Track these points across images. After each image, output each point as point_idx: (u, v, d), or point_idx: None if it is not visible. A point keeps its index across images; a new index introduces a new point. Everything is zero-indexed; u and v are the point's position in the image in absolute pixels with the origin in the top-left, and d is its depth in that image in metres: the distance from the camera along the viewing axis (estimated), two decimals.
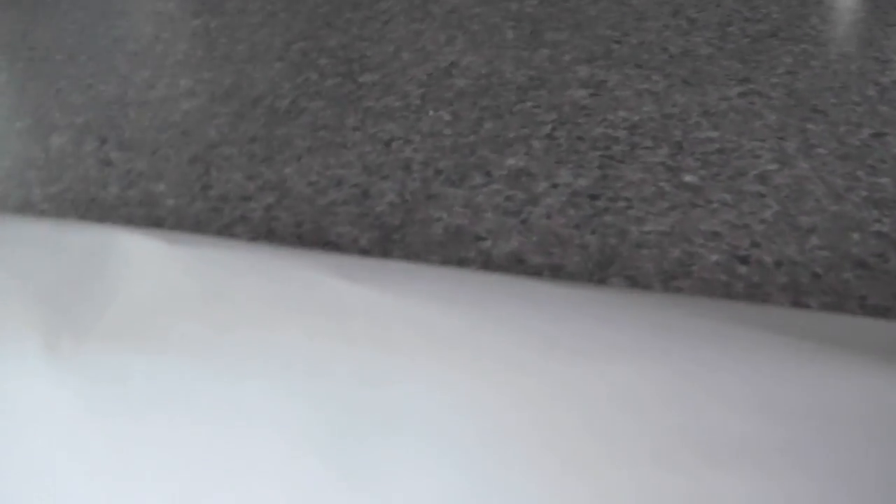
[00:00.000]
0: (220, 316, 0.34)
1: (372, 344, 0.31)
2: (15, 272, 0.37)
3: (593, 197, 0.49)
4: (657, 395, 0.27)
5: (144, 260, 0.38)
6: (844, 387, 0.27)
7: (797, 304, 0.40)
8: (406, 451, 0.28)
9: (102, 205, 0.56)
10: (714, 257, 0.43)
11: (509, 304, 0.33)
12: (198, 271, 0.37)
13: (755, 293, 0.41)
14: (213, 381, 0.31)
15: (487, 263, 0.44)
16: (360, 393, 0.30)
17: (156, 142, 0.62)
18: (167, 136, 0.63)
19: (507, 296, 0.33)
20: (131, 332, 0.33)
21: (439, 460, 0.27)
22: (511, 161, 0.54)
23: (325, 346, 0.32)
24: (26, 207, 0.56)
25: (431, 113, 0.61)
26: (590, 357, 0.29)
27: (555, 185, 0.51)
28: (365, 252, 0.47)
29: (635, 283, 0.42)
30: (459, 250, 0.46)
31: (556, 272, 0.43)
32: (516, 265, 0.44)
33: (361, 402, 0.29)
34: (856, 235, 0.44)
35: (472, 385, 0.29)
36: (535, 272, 0.44)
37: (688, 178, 0.50)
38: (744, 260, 0.43)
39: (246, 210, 0.52)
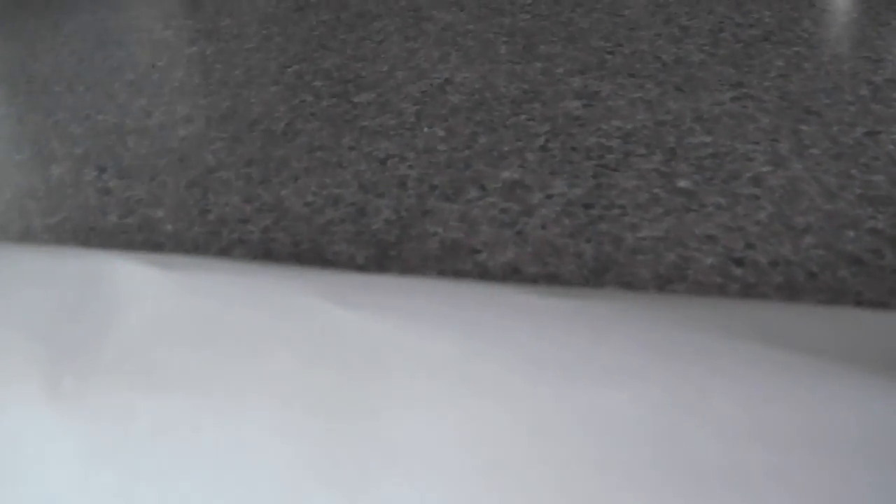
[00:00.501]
0: (218, 347, 0.34)
1: (369, 373, 0.31)
2: (13, 304, 0.37)
3: (588, 206, 0.49)
4: (648, 422, 0.27)
5: (140, 288, 0.38)
6: (838, 409, 0.27)
7: (794, 303, 0.40)
8: (405, 483, 0.28)
9: (102, 233, 0.56)
10: (709, 260, 0.43)
11: (503, 322, 0.33)
12: (194, 299, 0.37)
13: (751, 294, 0.41)
14: (213, 417, 0.32)
15: (484, 275, 0.45)
16: (359, 425, 0.30)
17: (154, 168, 0.63)
18: (165, 162, 0.63)
19: (500, 311, 0.33)
20: (130, 367, 0.33)
21: (438, 493, 0.27)
22: (506, 174, 0.54)
23: (322, 378, 0.32)
24: (27, 237, 0.56)
25: (426, 129, 0.62)
26: (581, 380, 0.29)
27: (549, 196, 0.51)
28: (362, 270, 0.47)
29: (631, 288, 0.42)
30: (456, 263, 0.46)
31: (551, 282, 0.43)
32: (512, 276, 0.44)
33: (360, 434, 0.30)
34: (851, 233, 0.44)
35: (466, 415, 0.29)
36: (531, 282, 0.44)
37: (682, 183, 0.50)
38: (739, 262, 0.43)
39: (243, 232, 0.53)
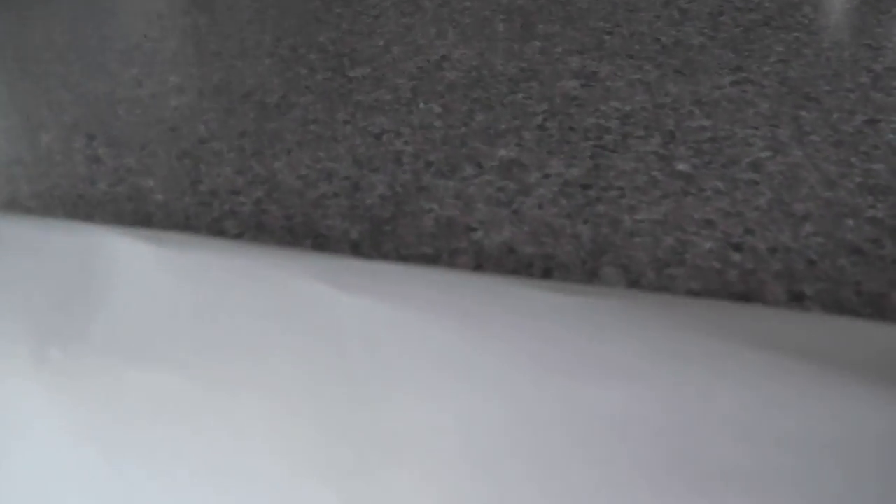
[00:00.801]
0: (213, 329, 0.33)
1: (366, 360, 0.31)
2: (3, 276, 0.37)
3: (585, 186, 0.49)
4: (650, 422, 0.27)
5: (133, 264, 0.38)
6: (837, 413, 0.26)
7: (792, 291, 0.40)
8: (402, 471, 0.27)
9: (90, 201, 0.55)
10: (707, 245, 0.43)
11: (505, 316, 0.32)
12: (188, 279, 0.36)
13: (749, 280, 0.40)
14: (205, 394, 0.31)
15: (479, 254, 0.44)
16: (357, 414, 0.29)
17: (145, 138, 0.62)
18: (156, 132, 0.62)
19: (502, 305, 0.33)
20: (121, 342, 0.33)
21: (434, 482, 0.27)
22: (502, 152, 0.53)
23: (319, 363, 0.31)
24: (13, 204, 0.56)
25: (422, 106, 0.61)
26: (583, 380, 0.29)
27: (546, 176, 0.50)
28: (356, 245, 0.46)
29: (628, 271, 0.42)
30: (451, 242, 0.45)
31: (548, 262, 0.43)
32: (508, 255, 0.44)
33: (357, 422, 0.29)
34: (850, 222, 0.44)
35: (466, 407, 0.29)
36: (528, 262, 0.43)
37: (680, 166, 0.50)
38: (737, 247, 0.43)
39: (235, 204, 0.52)
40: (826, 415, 0.26)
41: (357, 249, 0.46)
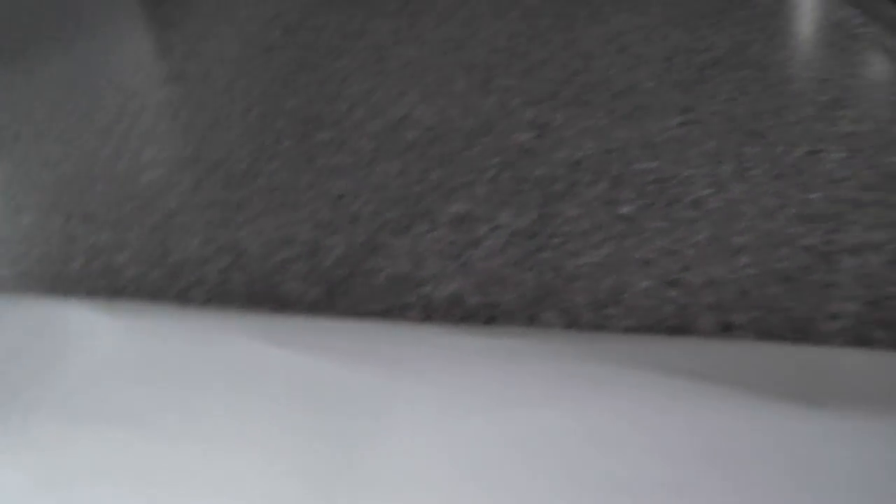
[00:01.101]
0: (156, 383, 0.35)
1: (293, 404, 0.33)
2: None
3: (531, 235, 0.50)
4: (584, 440, 0.28)
5: (88, 332, 0.40)
6: (750, 427, 0.28)
7: (723, 321, 0.41)
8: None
9: (67, 279, 0.57)
10: (644, 283, 0.45)
11: (435, 358, 0.34)
12: (138, 342, 0.38)
13: (683, 314, 0.42)
14: (153, 446, 0.33)
15: (427, 307, 0.46)
16: (301, 461, 0.31)
17: (118, 214, 0.64)
18: (129, 207, 0.64)
19: (434, 349, 0.35)
20: (75, 403, 0.35)
21: None
22: (455, 207, 0.55)
23: (259, 415, 0.33)
24: None
25: (381, 166, 0.63)
26: (516, 404, 0.30)
27: (495, 227, 0.52)
28: (312, 306, 0.48)
29: (567, 314, 0.43)
30: (402, 297, 0.47)
31: (492, 310, 0.45)
32: (455, 307, 0.45)
33: (318, 468, 0.31)
34: (784, 250, 0.46)
35: (413, 444, 0.30)
36: (473, 312, 0.45)
37: (624, 209, 0.52)
38: (673, 283, 0.44)
39: (202, 274, 0.54)
40: (737, 429, 0.28)
41: (314, 310, 0.47)
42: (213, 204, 0.62)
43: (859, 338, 0.39)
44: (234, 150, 0.71)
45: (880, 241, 0.45)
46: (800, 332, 0.40)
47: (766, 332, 0.40)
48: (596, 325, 0.42)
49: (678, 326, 0.41)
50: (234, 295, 0.51)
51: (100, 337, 0.39)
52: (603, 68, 0.73)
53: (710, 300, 0.43)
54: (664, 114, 0.63)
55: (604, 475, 0.27)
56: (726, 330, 0.41)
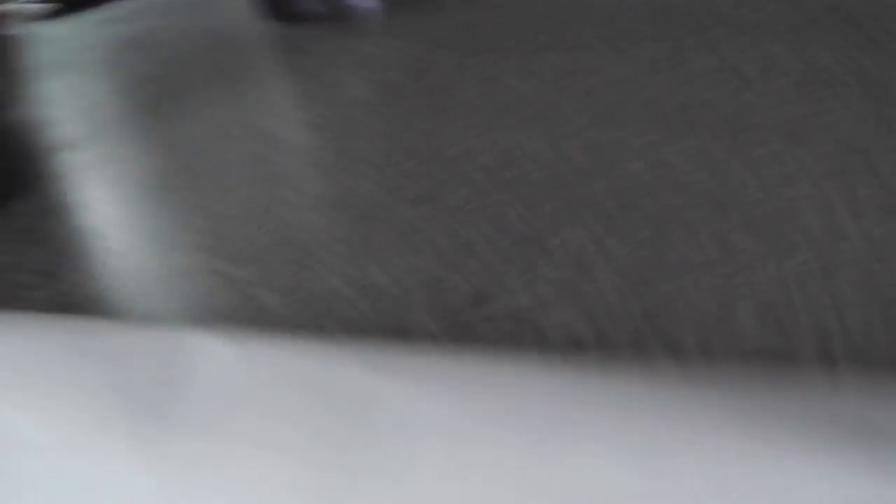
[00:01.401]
0: (268, 406, 0.40)
1: (383, 431, 0.37)
2: (103, 374, 0.44)
3: (641, 265, 0.53)
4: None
5: (207, 360, 0.45)
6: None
7: (824, 349, 0.43)
8: None
9: (209, 309, 0.62)
10: (748, 311, 0.46)
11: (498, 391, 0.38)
12: (253, 371, 0.43)
13: (788, 342, 0.44)
14: (266, 464, 0.37)
15: (542, 341, 0.49)
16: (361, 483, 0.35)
17: (256, 250, 0.69)
18: (267, 243, 0.70)
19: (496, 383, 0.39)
20: (197, 421, 0.40)
21: None
22: (568, 237, 0.58)
23: (336, 438, 0.38)
24: (148, 320, 0.63)
25: (497, 198, 0.66)
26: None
27: (608, 258, 0.55)
28: (434, 338, 0.51)
29: (672, 344, 0.45)
30: (519, 328, 0.50)
31: (602, 339, 0.47)
32: (567, 338, 0.48)
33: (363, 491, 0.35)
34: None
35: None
36: (583, 341, 0.48)
37: (734, 237, 0.54)
38: (777, 311, 0.46)
39: (332, 305, 0.58)
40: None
41: (436, 341, 0.51)
42: (343, 240, 0.67)
43: None
44: (364, 188, 0.75)
45: None
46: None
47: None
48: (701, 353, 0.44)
49: (783, 353, 0.43)
50: (363, 325, 0.55)
51: (227, 365, 0.44)
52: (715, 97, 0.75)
53: (813, 327, 0.44)
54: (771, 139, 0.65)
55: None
56: (827, 359, 0.42)
